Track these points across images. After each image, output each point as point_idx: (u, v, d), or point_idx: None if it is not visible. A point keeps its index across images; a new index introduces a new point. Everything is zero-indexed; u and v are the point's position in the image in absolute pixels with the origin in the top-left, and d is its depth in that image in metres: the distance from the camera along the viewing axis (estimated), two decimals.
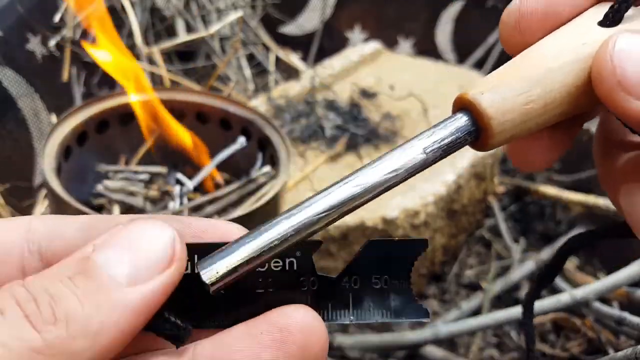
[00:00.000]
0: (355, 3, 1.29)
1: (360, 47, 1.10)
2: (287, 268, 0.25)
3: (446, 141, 0.25)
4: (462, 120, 0.26)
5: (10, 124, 0.84)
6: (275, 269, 0.25)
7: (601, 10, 0.28)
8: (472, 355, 0.75)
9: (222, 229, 0.26)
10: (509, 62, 0.27)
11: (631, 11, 0.28)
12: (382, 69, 1.05)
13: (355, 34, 1.29)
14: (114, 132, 0.72)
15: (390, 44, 1.28)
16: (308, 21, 1.32)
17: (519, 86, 0.26)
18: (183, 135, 0.67)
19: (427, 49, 1.28)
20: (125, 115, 0.71)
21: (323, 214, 0.24)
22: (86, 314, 0.21)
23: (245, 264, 0.24)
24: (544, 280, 0.36)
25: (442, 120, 0.26)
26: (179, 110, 0.72)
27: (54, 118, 0.89)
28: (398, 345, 0.73)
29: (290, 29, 1.32)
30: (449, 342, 0.78)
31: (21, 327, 0.21)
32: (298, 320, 0.24)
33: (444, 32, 1.28)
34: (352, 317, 0.26)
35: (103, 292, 0.22)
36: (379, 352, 0.75)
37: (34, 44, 0.89)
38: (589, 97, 0.27)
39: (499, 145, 0.27)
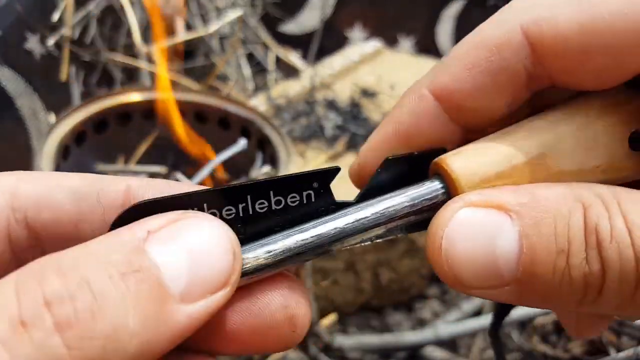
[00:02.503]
0: (356, 2, 1.29)
1: (361, 46, 1.10)
2: (304, 201, 0.24)
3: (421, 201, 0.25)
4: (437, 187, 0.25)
5: (8, 123, 0.84)
6: (292, 204, 0.24)
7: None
8: (473, 355, 0.75)
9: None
10: (518, 155, 0.25)
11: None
12: (383, 68, 1.04)
13: (356, 33, 1.29)
14: (112, 132, 0.71)
15: (391, 42, 1.28)
16: (308, 20, 1.31)
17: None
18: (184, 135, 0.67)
19: (427, 47, 1.27)
20: (124, 114, 0.71)
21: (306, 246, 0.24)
22: (131, 331, 0.18)
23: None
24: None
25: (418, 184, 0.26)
26: (178, 110, 0.71)
27: (52, 117, 0.89)
28: (398, 346, 0.73)
29: (290, 27, 1.31)
30: (450, 343, 0.78)
31: (50, 345, 0.16)
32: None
33: (444, 30, 1.27)
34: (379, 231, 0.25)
35: (156, 304, 0.18)
36: (380, 353, 0.74)
37: (33, 43, 0.89)
38: None
39: None
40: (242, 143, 0.70)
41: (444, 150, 0.26)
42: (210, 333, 0.22)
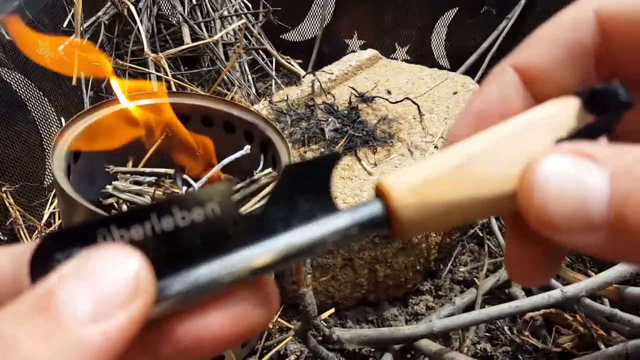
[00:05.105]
0: (354, 11, 1.32)
1: (358, 53, 1.13)
2: (210, 216, 0.24)
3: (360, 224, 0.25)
4: (378, 209, 0.25)
5: (19, 126, 0.86)
6: (197, 219, 0.24)
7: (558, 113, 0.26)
8: (466, 348, 0.77)
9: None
10: (445, 163, 0.25)
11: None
12: (379, 75, 1.07)
13: (354, 41, 1.32)
14: None
15: (387, 50, 1.31)
16: (308, 29, 1.35)
17: (446, 207, 0.25)
18: (190, 139, 0.70)
19: (422, 54, 1.31)
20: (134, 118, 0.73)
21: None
22: (45, 359, 0.19)
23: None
24: None
25: (360, 205, 0.25)
26: (185, 114, 0.74)
27: (63, 121, 0.91)
28: (394, 339, 0.75)
29: (291, 36, 1.35)
30: (444, 336, 0.80)
31: None
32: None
33: (438, 38, 1.31)
34: None
35: (64, 331, 0.20)
36: (376, 345, 0.77)
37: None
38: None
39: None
40: (246, 148, 0.72)
41: (336, 156, 0.26)
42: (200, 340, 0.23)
